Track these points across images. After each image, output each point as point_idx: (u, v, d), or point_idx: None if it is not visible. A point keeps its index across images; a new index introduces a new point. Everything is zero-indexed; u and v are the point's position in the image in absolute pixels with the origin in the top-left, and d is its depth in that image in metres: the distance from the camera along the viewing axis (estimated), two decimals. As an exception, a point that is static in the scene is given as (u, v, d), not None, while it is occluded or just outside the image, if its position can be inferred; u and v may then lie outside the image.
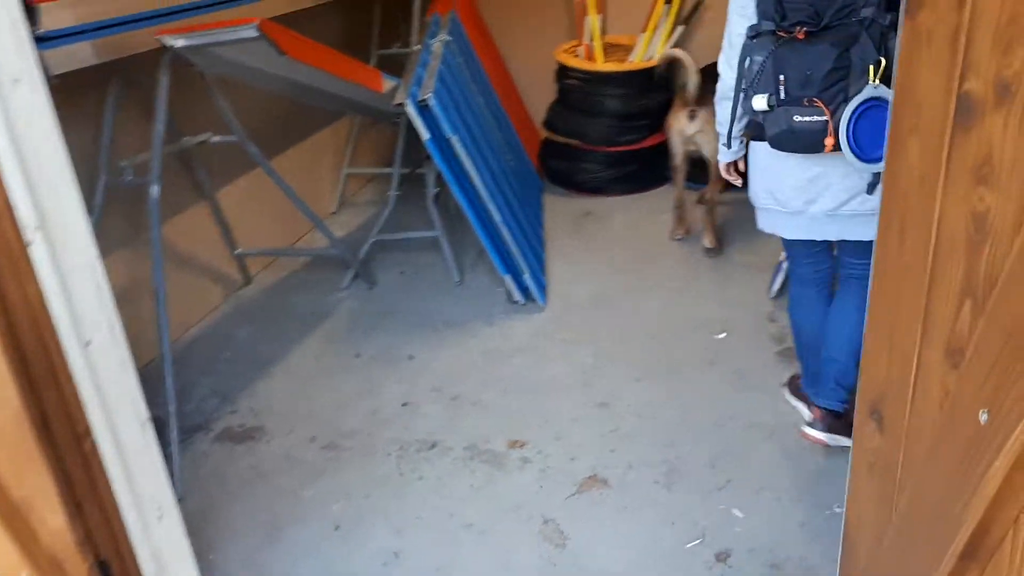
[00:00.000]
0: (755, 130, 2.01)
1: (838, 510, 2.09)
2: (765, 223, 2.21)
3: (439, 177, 3.88)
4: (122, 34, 2.51)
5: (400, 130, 4.11)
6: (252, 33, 2.46)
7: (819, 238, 2.13)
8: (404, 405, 2.77)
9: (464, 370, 2.94)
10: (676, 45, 4.65)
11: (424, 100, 3.06)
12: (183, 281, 3.36)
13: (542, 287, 3.40)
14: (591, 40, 4.80)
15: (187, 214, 3.39)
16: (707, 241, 3.71)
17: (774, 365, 2.77)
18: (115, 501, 1.48)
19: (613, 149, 4.46)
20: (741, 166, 2.24)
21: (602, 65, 4.57)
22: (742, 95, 1.97)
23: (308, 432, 2.67)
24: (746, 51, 1.92)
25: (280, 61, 2.68)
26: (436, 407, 2.73)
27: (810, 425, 2.26)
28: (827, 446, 2.25)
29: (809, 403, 2.35)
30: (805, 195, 2.03)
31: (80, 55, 2.41)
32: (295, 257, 4.04)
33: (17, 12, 1.37)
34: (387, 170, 4.95)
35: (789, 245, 2.28)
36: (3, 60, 1.34)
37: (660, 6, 4.66)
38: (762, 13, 1.88)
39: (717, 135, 2.21)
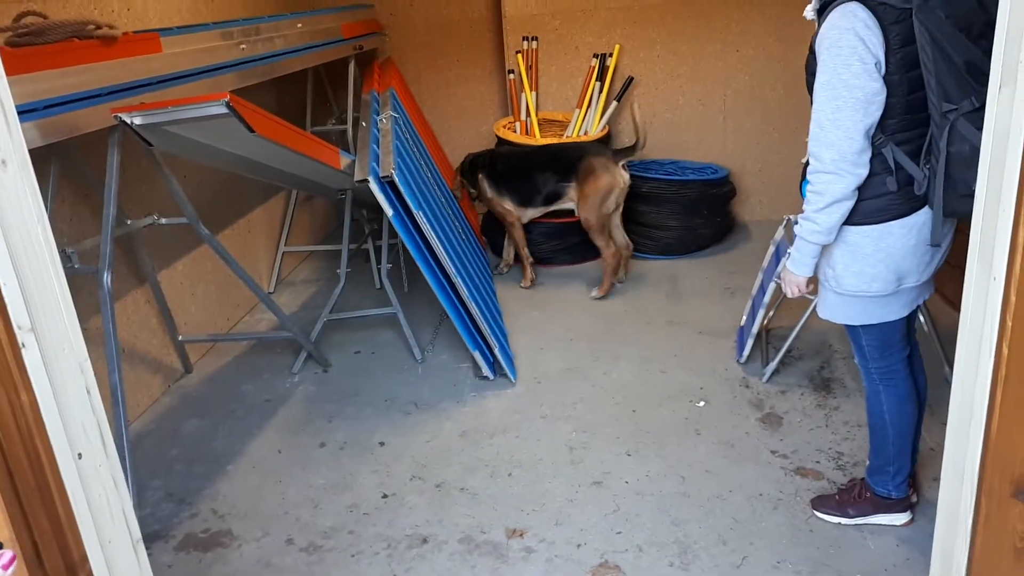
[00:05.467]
0: (893, 210, 1.90)
1: (861, 579, 2.07)
2: (875, 313, 2.04)
3: (389, 252, 3.80)
4: (71, 113, 2.33)
5: (345, 206, 4.00)
6: (221, 110, 2.34)
7: (920, 303, 2.11)
8: (384, 497, 2.59)
9: (443, 454, 2.79)
10: (609, 121, 4.80)
11: (388, 176, 2.98)
12: (122, 373, 3.10)
13: (511, 361, 3.31)
14: (527, 116, 4.88)
15: (123, 301, 3.15)
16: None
17: (759, 432, 2.76)
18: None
19: (557, 221, 4.48)
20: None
21: (541, 140, 4.62)
22: (888, 178, 1.87)
23: (283, 534, 2.45)
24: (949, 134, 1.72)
25: (246, 138, 2.55)
26: (420, 497, 2.57)
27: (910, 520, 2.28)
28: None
29: (892, 504, 2.25)
30: (930, 260, 1.99)
31: (25, 137, 2.21)
32: (237, 342, 3.80)
33: (4, 86, 1.25)
34: (329, 247, 4.82)
35: (888, 334, 2.09)
36: (-10, 140, 1.20)
37: (592, 83, 4.80)
38: (948, 91, 1.70)
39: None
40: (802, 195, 2.13)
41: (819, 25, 1.91)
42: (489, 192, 4.24)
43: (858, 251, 1.97)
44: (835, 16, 1.81)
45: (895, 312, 2.05)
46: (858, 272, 1.99)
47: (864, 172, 1.86)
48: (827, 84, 1.83)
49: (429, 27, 5.33)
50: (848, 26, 1.78)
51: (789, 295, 2.12)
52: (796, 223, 2.04)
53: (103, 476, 1.38)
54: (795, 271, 2.05)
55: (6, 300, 1.14)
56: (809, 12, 1.98)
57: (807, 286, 2.08)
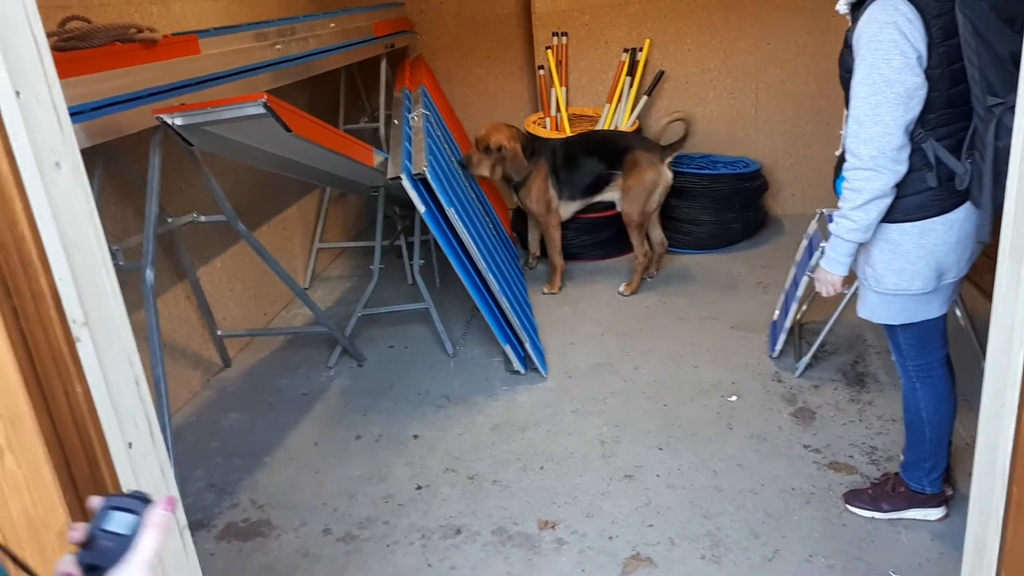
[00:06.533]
0: (935, 206, 1.88)
1: (894, 575, 2.06)
2: (916, 311, 2.02)
3: (421, 248, 3.84)
4: (115, 115, 2.40)
5: (378, 203, 4.05)
6: (259, 110, 2.39)
7: (955, 298, 2.11)
8: (418, 488, 2.64)
9: (475, 447, 2.83)
10: (640, 116, 4.79)
11: (420, 173, 3.02)
12: (164, 368, 3.18)
13: (542, 355, 3.34)
14: (557, 111, 4.89)
15: (163, 297, 3.23)
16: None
17: (791, 427, 2.76)
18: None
19: (588, 216, 4.49)
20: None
21: (571, 136, 4.63)
22: (931, 176, 1.85)
23: (320, 524, 2.51)
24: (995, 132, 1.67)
25: (282, 137, 2.61)
26: (454, 489, 2.61)
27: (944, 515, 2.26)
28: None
29: (927, 499, 2.24)
30: (970, 256, 1.98)
31: (73, 138, 2.30)
32: (274, 337, 3.88)
33: (58, 90, 1.30)
34: (362, 243, 4.89)
35: (927, 332, 2.07)
36: (46, 141, 1.25)
37: (623, 78, 4.80)
38: (993, 84, 1.67)
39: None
40: (836, 191, 2.11)
41: (853, 19, 1.89)
42: (550, 191, 4.04)
43: (899, 249, 1.95)
44: (875, 9, 1.78)
45: (936, 309, 2.04)
46: (899, 270, 1.97)
47: (903, 169, 1.84)
48: (866, 79, 1.80)
49: (459, 24, 5.37)
50: (889, 20, 1.75)
51: (824, 294, 2.09)
52: (830, 220, 2.01)
53: (151, 465, 1.43)
54: (830, 270, 2.02)
55: (62, 295, 1.19)
56: (842, 6, 1.95)
57: (842, 285, 2.05)
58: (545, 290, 4.15)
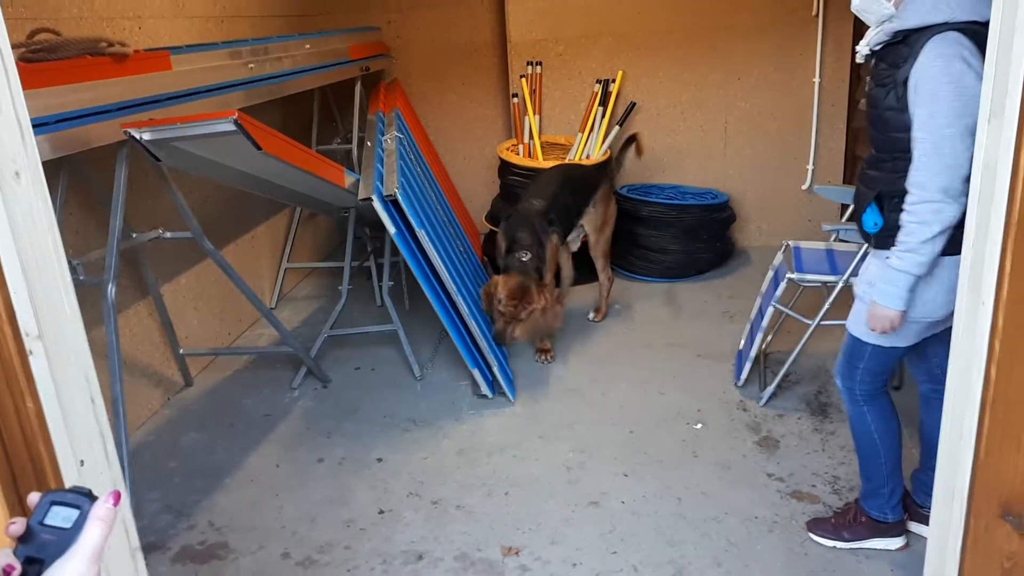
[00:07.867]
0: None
1: (855, 603, 2.07)
2: (912, 336, 2.07)
3: (391, 270, 3.83)
4: (82, 127, 2.37)
5: (348, 224, 4.04)
6: (229, 127, 2.38)
7: None
8: (381, 513, 2.60)
9: (440, 472, 2.80)
10: (611, 146, 4.85)
11: (392, 195, 3.02)
12: (124, 386, 3.11)
13: (510, 380, 3.33)
14: (530, 139, 4.93)
15: (125, 313, 3.17)
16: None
17: (756, 456, 2.77)
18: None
19: (558, 242, 4.52)
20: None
21: (544, 163, 4.67)
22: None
23: (279, 547, 2.45)
24: None
25: (252, 155, 2.59)
26: (417, 514, 2.58)
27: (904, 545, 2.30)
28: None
29: (887, 528, 2.28)
30: None
31: (37, 149, 2.26)
32: (237, 356, 3.82)
33: (20, 100, 1.29)
34: (331, 264, 4.85)
35: (892, 359, 2.15)
36: (6, 151, 1.24)
37: (595, 108, 4.86)
38: None
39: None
40: (863, 226, 2.06)
41: (885, 59, 1.92)
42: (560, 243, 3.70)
43: (936, 280, 1.94)
44: (939, 44, 1.80)
45: (916, 337, 2.08)
46: (930, 300, 1.97)
47: (966, 200, 1.79)
48: (938, 112, 1.80)
49: (435, 50, 5.41)
50: (955, 53, 1.77)
51: (879, 332, 2.02)
52: (889, 256, 1.96)
53: (104, 484, 1.40)
54: (891, 305, 1.96)
55: (16, 307, 1.17)
56: (864, 48, 1.98)
57: (900, 321, 1.99)
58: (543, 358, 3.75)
